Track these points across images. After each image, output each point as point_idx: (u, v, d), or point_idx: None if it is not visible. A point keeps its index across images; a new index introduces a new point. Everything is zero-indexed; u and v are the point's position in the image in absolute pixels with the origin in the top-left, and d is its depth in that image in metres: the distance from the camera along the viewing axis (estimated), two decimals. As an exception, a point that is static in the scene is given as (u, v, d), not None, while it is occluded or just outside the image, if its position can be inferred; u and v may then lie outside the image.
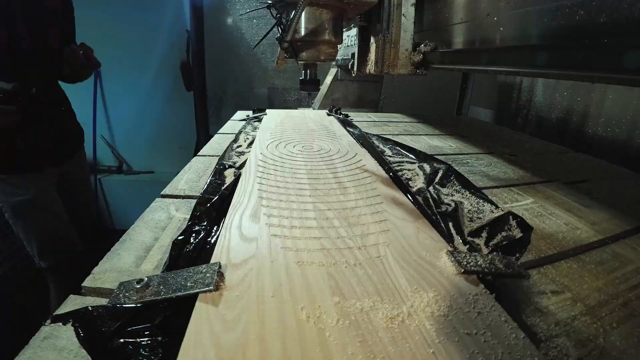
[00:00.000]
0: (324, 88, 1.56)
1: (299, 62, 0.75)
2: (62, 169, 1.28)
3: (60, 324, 0.35)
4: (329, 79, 1.53)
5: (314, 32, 0.66)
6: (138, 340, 0.32)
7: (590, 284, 0.44)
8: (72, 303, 0.38)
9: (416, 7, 0.65)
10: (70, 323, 0.34)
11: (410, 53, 0.68)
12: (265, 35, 0.81)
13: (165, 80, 2.57)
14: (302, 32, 0.65)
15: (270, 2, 0.63)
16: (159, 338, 0.32)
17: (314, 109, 1.50)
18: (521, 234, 0.51)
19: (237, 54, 2.48)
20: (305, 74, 0.79)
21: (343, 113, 1.36)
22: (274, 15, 0.65)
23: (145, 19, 2.48)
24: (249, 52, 2.47)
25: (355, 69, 0.85)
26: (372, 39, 0.75)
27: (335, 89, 1.42)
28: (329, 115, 1.35)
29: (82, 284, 0.40)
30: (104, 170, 2.88)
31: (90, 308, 0.35)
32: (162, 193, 0.65)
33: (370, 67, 0.73)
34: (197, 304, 0.34)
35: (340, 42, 0.73)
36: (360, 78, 1.24)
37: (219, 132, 1.14)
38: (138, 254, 0.47)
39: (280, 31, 0.61)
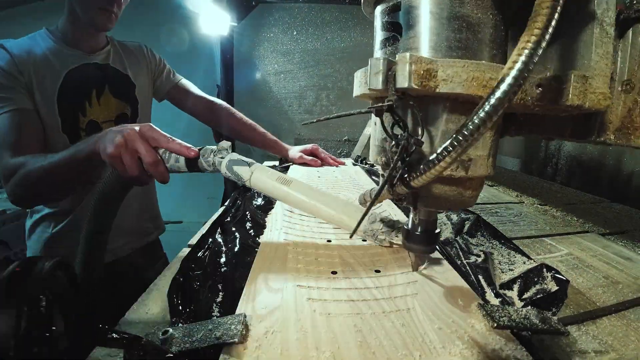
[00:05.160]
0: (363, 138, 1.60)
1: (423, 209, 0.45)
2: None
3: None
4: (367, 129, 1.58)
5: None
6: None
7: (638, 343, 0.41)
8: (99, 354, 0.38)
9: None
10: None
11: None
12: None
13: (197, 132, 2.71)
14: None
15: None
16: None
17: (352, 158, 1.53)
18: (557, 287, 0.48)
19: (264, 107, 2.60)
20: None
21: (368, 163, 1.38)
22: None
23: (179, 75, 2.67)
24: (276, 105, 2.60)
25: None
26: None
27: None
28: (354, 165, 1.37)
29: (108, 336, 0.40)
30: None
31: (143, 340, 0.35)
32: (189, 243, 0.66)
33: (607, 134, 0.40)
34: (222, 356, 0.33)
35: None
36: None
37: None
38: (165, 304, 0.47)
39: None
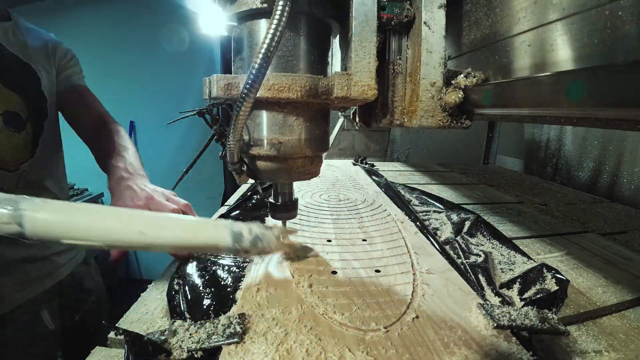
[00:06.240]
0: (330, 138, 1.61)
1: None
2: None
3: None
4: (335, 129, 1.58)
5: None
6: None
7: (638, 343, 0.41)
8: (98, 355, 0.38)
9: (448, 13, 0.42)
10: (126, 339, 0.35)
11: (440, 90, 0.43)
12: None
13: (197, 133, 2.70)
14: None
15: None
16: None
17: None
18: (557, 287, 0.48)
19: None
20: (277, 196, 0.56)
21: (369, 163, 1.38)
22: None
23: (179, 77, 2.66)
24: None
25: (357, 119, 0.58)
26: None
27: (341, 139, 1.41)
28: (354, 165, 1.37)
29: (109, 335, 0.40)
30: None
31: (145, 337, 0.35)
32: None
33: (376, 116, 0.49)
34: (222, 356, 0.33)
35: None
36: (366, 128, 1.14)
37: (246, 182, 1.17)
38: (165, 304, 0.47)
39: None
